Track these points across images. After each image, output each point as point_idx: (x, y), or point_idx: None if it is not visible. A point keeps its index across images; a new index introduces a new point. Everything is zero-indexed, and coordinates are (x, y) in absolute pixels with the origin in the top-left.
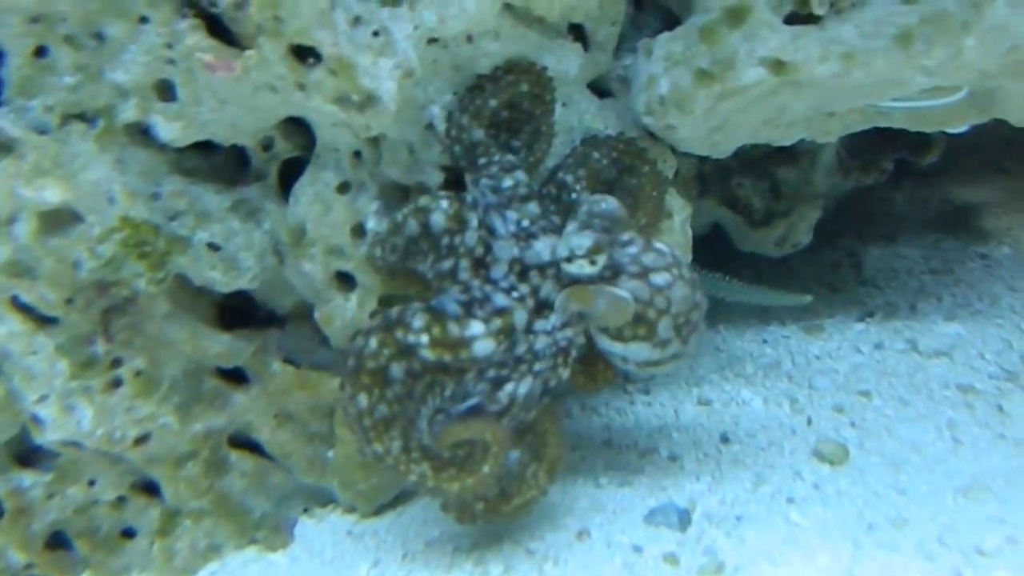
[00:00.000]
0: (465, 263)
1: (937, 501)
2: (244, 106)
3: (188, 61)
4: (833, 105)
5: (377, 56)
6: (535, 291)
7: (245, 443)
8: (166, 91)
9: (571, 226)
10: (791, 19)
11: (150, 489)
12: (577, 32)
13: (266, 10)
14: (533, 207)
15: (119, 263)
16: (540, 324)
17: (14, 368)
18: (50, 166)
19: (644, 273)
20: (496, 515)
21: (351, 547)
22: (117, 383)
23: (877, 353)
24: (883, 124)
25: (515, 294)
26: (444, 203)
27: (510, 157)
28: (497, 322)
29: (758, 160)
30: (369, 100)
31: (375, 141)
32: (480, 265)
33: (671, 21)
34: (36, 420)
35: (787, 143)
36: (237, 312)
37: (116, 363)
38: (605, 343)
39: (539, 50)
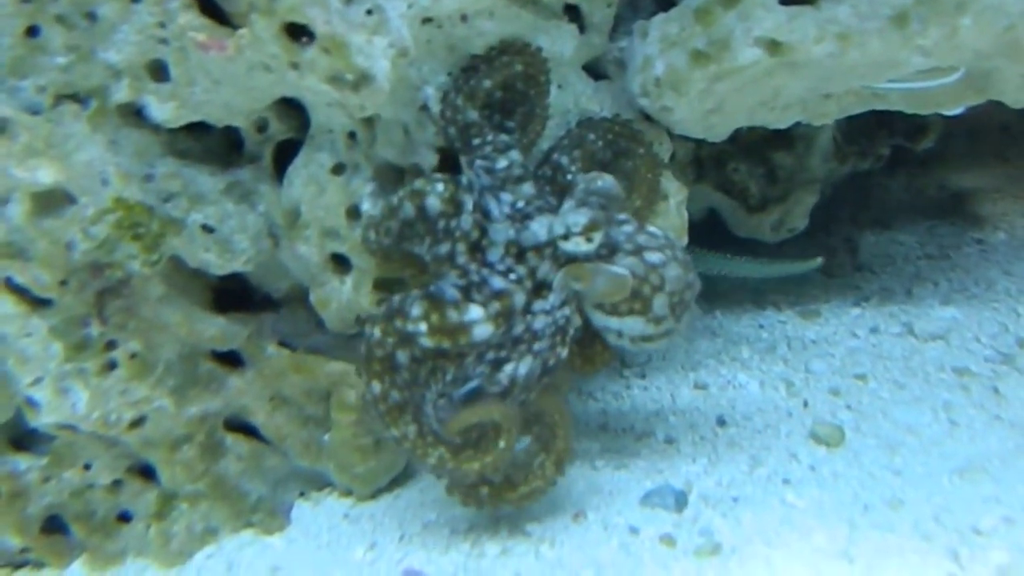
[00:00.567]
0: (462, 247)
1: (933, 482)
2: (237, 86)
3: (181, 40)
4: (829, 87)
5: (371, 35)
6: (532, 272)
7: (241, 426)
8: (159, 71)
9: (567, 204)
10: None
11: (146, 473)
12: (572, 13)
13: None
14: (528, 188)
15: (113, 245)
16: (539, 304)
17: (8, 351)
18: (43, 147)
19: (639, 251)
20: (501, 501)
21: (348, 530)
22: (112, 366)
23: (873, 337)
24: (879, 106)
25: (512, 276)
26: (439, 186)
27: (504, 137)
28: (496, 305)
29: (754, 145)
30: (363, 79)
31: (369, 122)
32: (476, 249)
33: (666, 3)
34: (31, 403)
35: (783, 126)
36: (232, 295)
37: (111, 345)
38: (600, 319)
39: (534, 31)
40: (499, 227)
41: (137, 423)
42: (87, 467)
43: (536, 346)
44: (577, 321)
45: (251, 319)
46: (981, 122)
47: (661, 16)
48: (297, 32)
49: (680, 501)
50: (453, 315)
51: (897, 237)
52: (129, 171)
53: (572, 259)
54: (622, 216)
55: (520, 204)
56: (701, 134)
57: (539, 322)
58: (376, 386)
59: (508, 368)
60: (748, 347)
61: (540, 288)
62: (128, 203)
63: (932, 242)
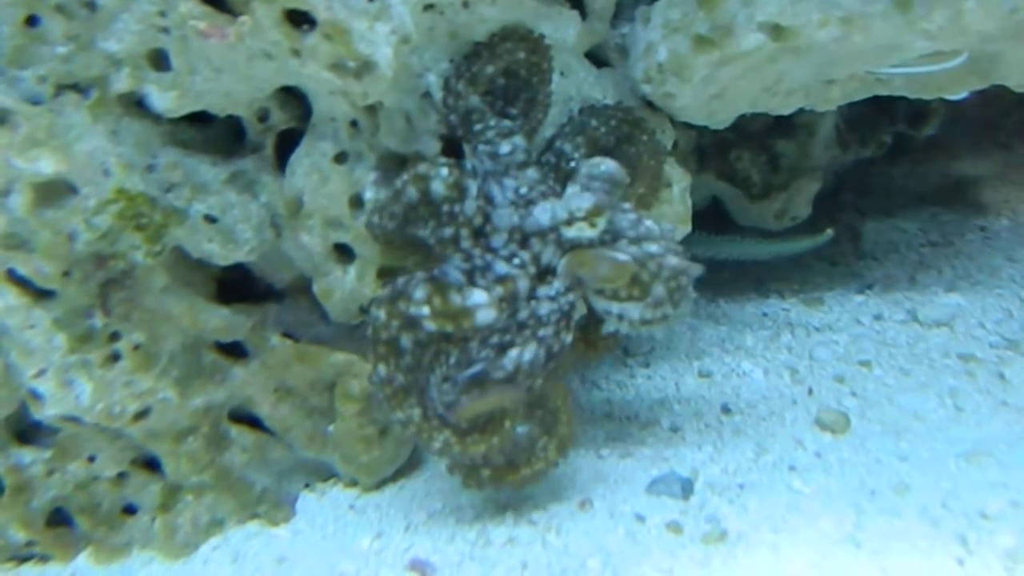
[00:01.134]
0: (465, 232)
1: (939, 467)
2: (239, 74)
3: (182, 29)
4: (833, 72)
5: (373, 21)
6: (536, 257)
7: (245, 418)
8: (160, 60)
9: (571, 188)
10: None
11: (151, 465)
12: (575, 0)
13: None
14: (532, 173)
15: (115, 235)
16: (543, 290)
17: (11, 343)
18: (44, 137)
19: (639, 240)
20: (503, 483)
21: (353, 520)
22: (116, 357)
23: (877, 324)
24: (883, 92)
25: (516, 261)
26: (444, 171)
27: (506, 122)
28: (499, 290)
29: (757, 133)
30: (365, 66)
31: (372, 110)
32: (480, 234)
33: None
34: (35, 395)
35: (786, 112)
36: (235, 286)
37: (114, 337)
38: (601, 303)
39: (536, 17)
40: (503, 212)
41: (141, 415)
42: (92, 459)
43: (541, 332)
44: (581, 307)
45: (254, 310)
46: (982, 109)
47: (663, 1)
48: (298, 19)
49: (686, 488)
50: (456, 299)
51: (900, 224)
52: (131, 161)
53: (575, 245)
54: (625, 205)
55: (523, 190)
56: (704, 121)
57: (544, 308)
58: (382, 369)
59: (513, 353)
60: (752, 335)
61: (544, 274)
62: (130, 193)
63: (935, 229)
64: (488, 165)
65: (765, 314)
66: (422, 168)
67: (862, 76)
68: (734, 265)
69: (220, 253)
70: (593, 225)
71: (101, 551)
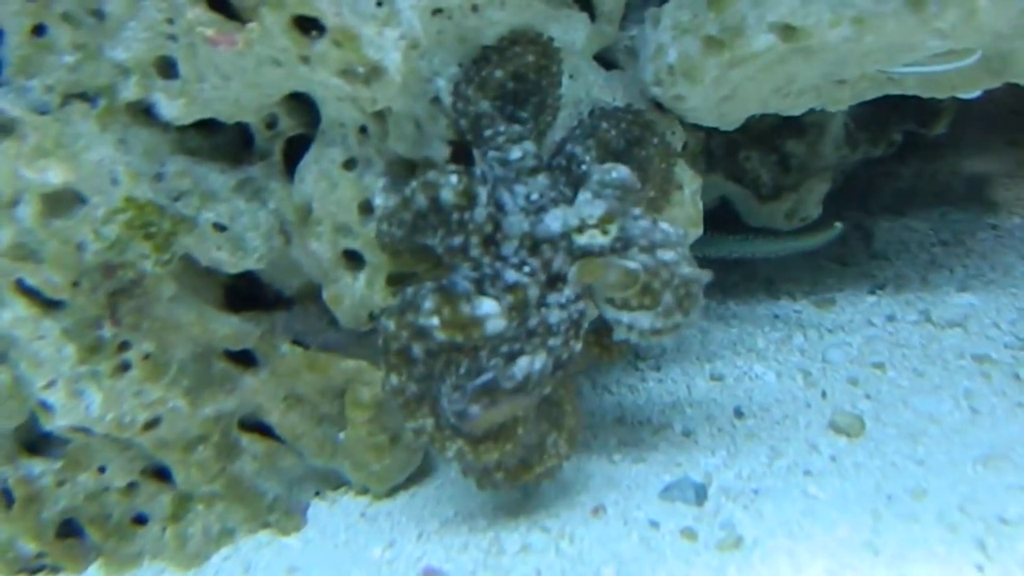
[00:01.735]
0: (475, 239)
1: (956, 471)
2: (247, 81)
3: (189, 36)
4: (844, 72)
5: (382, 27)
6: (547, 264)
7: (255, 426)
8: (167, 68)
9: (582, 195)
10: None
11: (161, 474)
12: (583, 2)
13: None
14: (542, 179)
15: (124, 244)
16: (553, 297)
17: (21, 354)
18: (52, 147)
19: (652, 248)
20: (517, 483)
21: (365, 529)
22: (125, 367)
23: (890, 325)
24: (894, 91)
25: (526, 269)
26: (453, 178)
27: (516, 127)
28: (509, 299)
29: (766, 133)
30: (375, 72)
31: (381, 116)
32: (490, 242)
33: None
34: (44, 406)
35: (797, 112)
36: (244, 293)
37: (124, 347)
38: (611, 313)
39: (545, 20)
40: (513, 220)
41: (151, 424)
42: (102, 470)
43: (551, 342)
44: (592, 313)
45: (264, 317)
46: (992, 107)
47: (673, 3)
48: (307, 25)
49: (700, 494)
50: (465, 308)
51: (911, 224)
52: (139, 170)
53: (587, 252)
54: (636, 211)
55: (534, 196)
56: (714, 122)
57: (554, 316)
58: (394, 379)
59: (523, 362)
60: (764, 337)
61: (555, 281)
62: (139, 202)
63: (946, 228)
64: (498, 171)
65: (776, 316)
66: (431, 176)
67: (874, 76)
68: (745, 265)
69: (229, 261)
70: (605, 232)
71: (112, 562)
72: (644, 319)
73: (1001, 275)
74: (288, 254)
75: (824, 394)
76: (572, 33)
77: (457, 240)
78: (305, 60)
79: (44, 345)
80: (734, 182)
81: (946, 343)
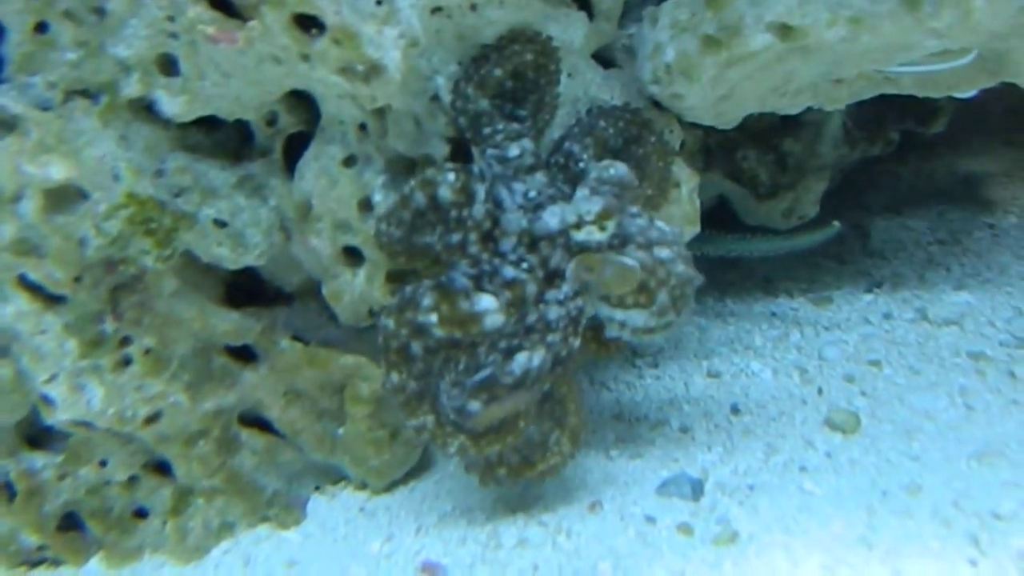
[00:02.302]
0: (474, 236)
1: (951, 467)
2: (248, 79)
3: (190, 34)
4: (841, 71)
5: (381, 25)
6: (545, 261)
7: (255, 421)
8: (169, 65)
9: (580, 192)
10: None
11: (162, 468)
12: (582, 1)
13: None
14: (540, 177)
15: (126, 240)
16: (552, 294)
17: (23, 348)
18: (54, 143)
19: (649, 245)
20: (520, 480)
21: (364, 523)
22: (127, 362)
23: (886, 323)
24: (891, 91)
25: (524, 265)
26: (451, 176)
27: (515, 125)
28: (507, 295)
29: (763, 132)
30: (374, 70)
31: (380, 113)
32: (488, 238)
33: None
34: (46, 400)
35: (794, 111)
36: (244, 289)
37: (125, 341)
38: (605, 310)
39: (544, 19)
40: (511, 217)
41: (152, 419)
42: (103, 464)
43: (549, 338)
44: (590, 311)
45: (264, 313)
46: (989, 107)
47: (671, 2)
48: (307, 23)
49: (696, 490)
50: (464, 305)
51: (908, 223)
52: (140, 166)
53: (584, 249)
54: (634, 209)
55: (532, 193)
56: (712, 121)
57: (552, 312)
58: (394, 376)
59: (521, 358)
60: (761, 334)
61: (553, 277)
62: (140, 198)
63: (943, 227)
64: (497, 169)
65: (774, 313)
66: (429, 173)
67: (871, 75)
68: (742, 263)
69: (230, 257)
70: (603, 229)
71: (112, 555)
72: (638, 317)
73: (997, 274)
74: (288, 250)
75: (820, 391)
76: (570, 32)
77: (455, 237)
78: (305, 58)
79: (46, 339)
80: (732, 180)
81: (942, 341)
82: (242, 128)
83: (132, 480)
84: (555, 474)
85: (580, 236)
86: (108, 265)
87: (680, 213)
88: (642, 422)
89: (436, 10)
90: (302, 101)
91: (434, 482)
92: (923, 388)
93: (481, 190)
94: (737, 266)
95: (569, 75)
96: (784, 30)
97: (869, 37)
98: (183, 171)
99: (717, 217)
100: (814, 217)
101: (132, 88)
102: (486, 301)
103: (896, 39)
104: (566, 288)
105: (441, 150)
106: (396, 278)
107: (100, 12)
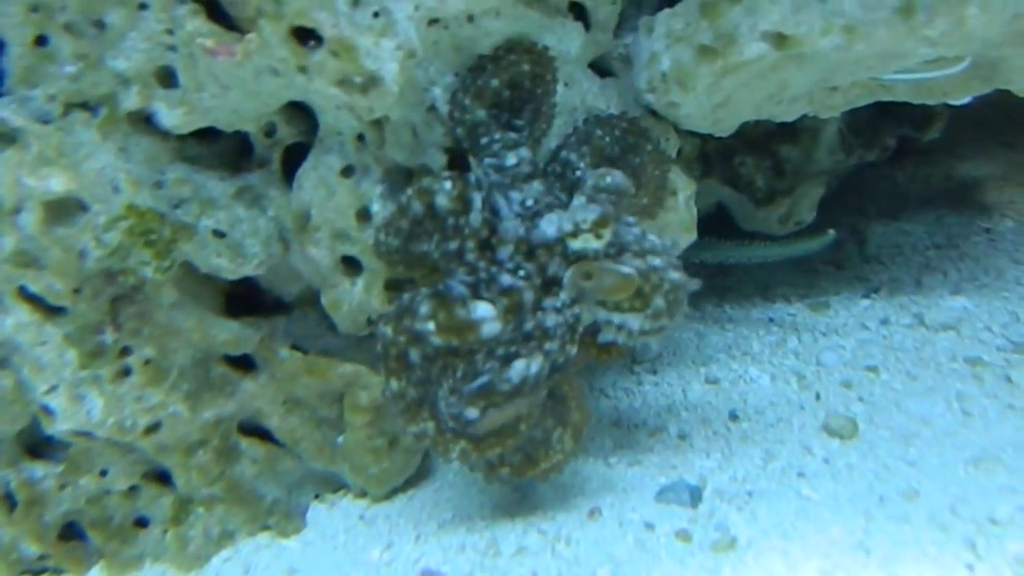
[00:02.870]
0: (471, 244)
1: (948, 473)
2: (246, 91)
3: (189, 47)
4: (836, 79)
5: (378, 37)
6: (542, 269)
7: (255, 430)
8: (167, 78)
9: (577, 200)
10: None
11: (162, 478)
12: (578, 11)
13: None
14: (537, 185)
15: (125, 251)
16: (549, 301)
17: (23, 359)
18: (54, 155)
19: (643, 253)
20: (523, 478)
21: (364, 531)
22: (126, 372)
23: (884, 328)
24: (886, 98)
25: (522, 273)
26: (447, 184)
27: (512, 135)
28: (504, 302)
29: (760, 138)
30: (372, 82)
31: (378, 124)
32: (486, 247)
33: None
34: (46, 411)
35: (790, 119)
36: (244, 299)
37: (125, 352)
38: (602, 314)
39: (540, 29)
40: (508, 225)
41: (152, 429)
42: (103, 473)
43: (547, 345)
44: (587, 318)
45: (263, 323)
46: (986, 111)
47: (666, 11)
48: (305, 36)
49: (695, 496)
50: (461, 312)
51: (905, 227)
52: (140, 178)
53: (581, 257)
54: (630, 219)
55: (529, 202)
56: (708, 129)
57: (550, 320)
58: (393, 384)
59: (519, 365)
60: (758, 340)
61: (550, 285)
62: (140, 210)
63: (940, 232)
64: (494, 177)
65: (771, 319)
66: (426, 182)
67: (865, 82)
68: (740, 269)
69: (229, 267)
70: (599, 237)
71: (113, 564)
72: (634, 321)
73: (994, 279)
74: (287, 260)
75: (818, 397)
76: (567, 42)
77: (453, 245)
78: (303, 70)
79: (46, 350)
80: (729, 187)
81: (939, 346)
82: (241, 139)
83: (132, 489)
84: (558, 471)
85: (577, 244)
86: (108, 276)
87: (677, 220)
88: (640, 429)
89: (433, 22)
90: (300, 112)
91: (433, 490)
92: (920, 393)
93: (478, 198)
94: (735, 272)
95: (566, 84)
96: (779, 39)
97: (863, 45)
98: (182, 182)
99: (716, 223)
100: (811, 223)
101: (131, 100)
102: (483, 309)
103: (890, 47)
104: (563, 296)
105: (438, 160)
106: (395, 287)
107: (100, 25)
